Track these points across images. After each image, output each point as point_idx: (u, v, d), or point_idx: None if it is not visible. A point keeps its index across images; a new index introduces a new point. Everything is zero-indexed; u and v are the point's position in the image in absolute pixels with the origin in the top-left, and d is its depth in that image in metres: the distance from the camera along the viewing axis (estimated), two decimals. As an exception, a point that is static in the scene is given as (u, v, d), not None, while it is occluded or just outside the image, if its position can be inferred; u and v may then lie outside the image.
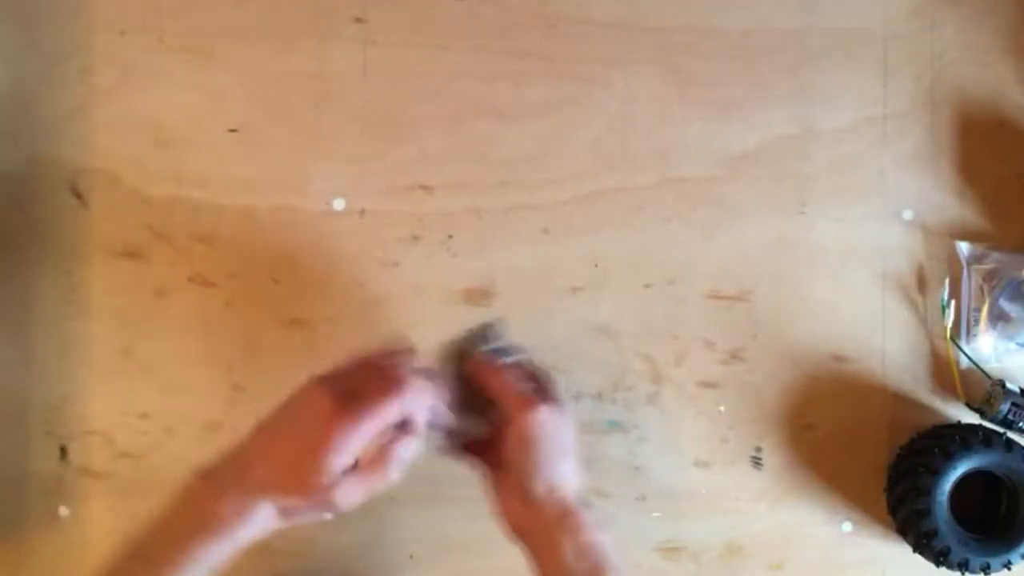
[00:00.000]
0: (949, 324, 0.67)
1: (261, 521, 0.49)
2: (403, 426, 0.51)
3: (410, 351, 0.54)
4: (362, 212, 0.65)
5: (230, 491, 0.49)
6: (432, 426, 0.53)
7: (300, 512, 0.50)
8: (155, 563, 0.48)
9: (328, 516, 0.50)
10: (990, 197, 0.68)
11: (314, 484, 0.48)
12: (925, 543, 0.63)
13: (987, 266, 0.67)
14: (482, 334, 0.57)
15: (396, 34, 0.66)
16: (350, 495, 0.49)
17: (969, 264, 0.67)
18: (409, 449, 0.51)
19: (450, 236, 0.66)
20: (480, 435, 0.56)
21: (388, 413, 0.49)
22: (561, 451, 0.54)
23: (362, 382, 0.50)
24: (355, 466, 0.50)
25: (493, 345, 0.57)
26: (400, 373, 0.51)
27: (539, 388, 0.56)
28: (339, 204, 0.65)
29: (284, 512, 0.50)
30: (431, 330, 0.65)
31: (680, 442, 0.67)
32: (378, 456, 0.50)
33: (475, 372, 0.56)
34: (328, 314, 0.65)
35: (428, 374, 0.53)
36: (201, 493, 0.49)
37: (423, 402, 0.51)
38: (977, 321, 0.67)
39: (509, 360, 0.57)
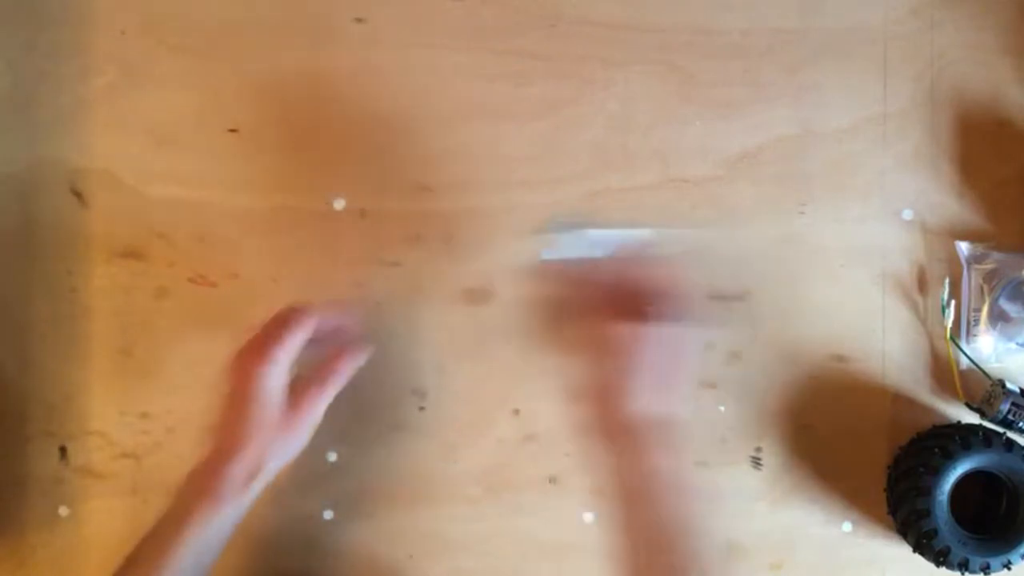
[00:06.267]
0: (949, 324, 0.67)
1: (246, 474, 0.54)
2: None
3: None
4: (362, 212, 0.65)
5: (211, 470, 0.54)
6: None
7: (277, 446, 0.56)
8: (160, 546, 0.53)
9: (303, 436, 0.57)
10: (990, 197, 0.68)
11: (259, 416, 0.54)
12: (925, 543, 0.63)
13: (987, 266, 0.67)
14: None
15: (396, 34, 0.66)
16: (306, 404, 0.56)
17: (969, 264, 0.67)
18: (346, 357, 0.59)
19: (450, 236, 0.66)
20: None
21: (282, 332, 0.55)
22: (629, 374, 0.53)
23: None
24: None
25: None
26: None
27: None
28: (339, 204, 0.65)
29: (263, 458, 0.55)
30: (431, 330, 0.65)
31: (680, 442, 0.67)
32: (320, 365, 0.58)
33: None
34: (328, 314, 0.65)
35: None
36: (189, 484, 0.55)
37: (315, 316, 0.57)
38: (977, 321, 0.67)
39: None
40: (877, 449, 0.67)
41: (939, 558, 0.63)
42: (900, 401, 0.67)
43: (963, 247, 0.67)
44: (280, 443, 0.56)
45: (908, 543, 0.65)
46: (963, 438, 0.63)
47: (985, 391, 0.66)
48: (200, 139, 0.64)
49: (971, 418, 0.66)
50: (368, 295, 0.65)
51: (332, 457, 0.65)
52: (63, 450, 0.63)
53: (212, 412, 0.56)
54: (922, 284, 0.68)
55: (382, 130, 0.66)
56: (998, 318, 0.66)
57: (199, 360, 0.64)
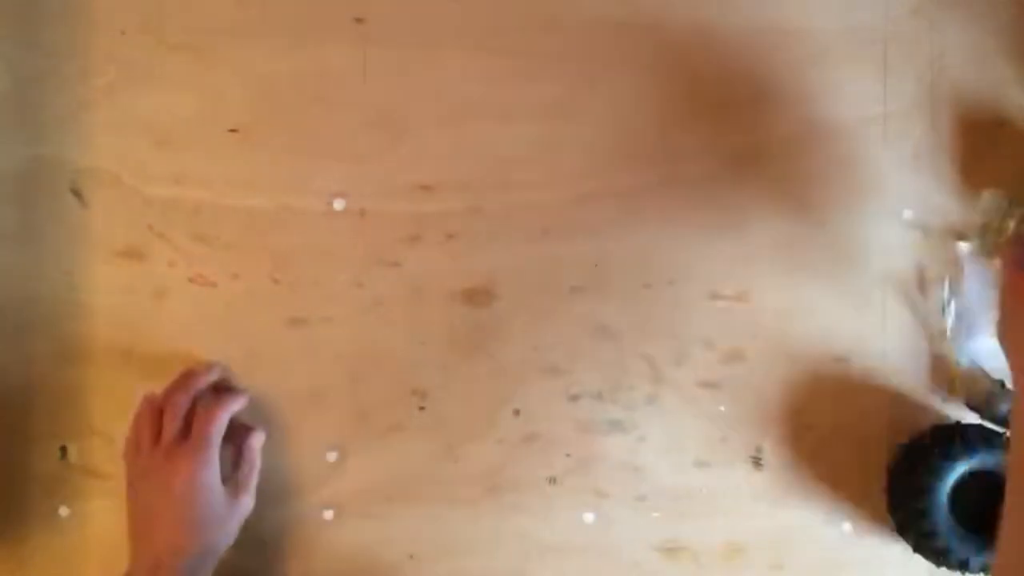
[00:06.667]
0: (949, 324, 0.67)
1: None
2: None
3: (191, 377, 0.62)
4: (362, 212, 0.65)
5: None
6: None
7: (223, 538, 0.59)
8: None
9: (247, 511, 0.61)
10: (990, 197, 0.68)
11: (208, 516, 0.57)
12: (925, 543, 0.63)
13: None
14: None
15: (396, 34, 0.66)
16: (245, 494, 0.60)
17: (969, 264, 0.67)
18: (256, 440, 0.62)
19: (450, 236, 0.66)
20: None
21: (216, 435, 0.59)
22: None
23: (176, 422, 0.59)
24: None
25: None
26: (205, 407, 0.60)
27: None
28: (339, 204, 0.65)
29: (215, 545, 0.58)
30: (431, 330, 0.65)
31: (680, 442, 0.67)
32: (238, 458, 0.62)
33: None
34: (328, 314, 0.65)
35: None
36: None
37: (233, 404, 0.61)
38: (977, 321, 0.67)
39: None
40: (877, 449, 0.67)
41: (939, 558, 0.63)
42: (900, 401, 0.67)
43: (963, 247, 0.67)
44: (224, 534, 0.59)
45: (908, 543, 0.65)
46: (963, 438, 0.63)
47: (985, 391, 0.66)
48: (200, 139, 0.64)
49: (971, 418, 0.66)
50: (368, 295, 0.65)
51: (332, 457, 0.65)
52: (63, 450, 0.63)
53: (146, 513, 0.58)
54: (922, 284, 0.68)
55: (382, 130, 0.66)
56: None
57: (199, 360, 0.64)
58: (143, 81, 0.64)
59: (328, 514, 0.65)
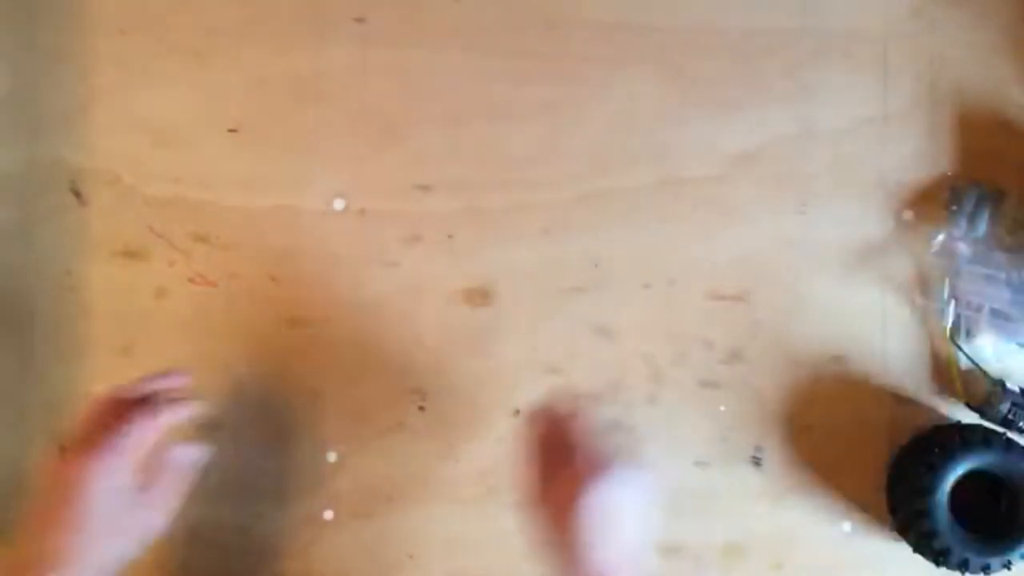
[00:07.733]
0: (949, 324, 0.67)
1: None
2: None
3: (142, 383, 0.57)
4: (362, 212, 0.65)
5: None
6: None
7: (118, 547, 0.53)
8: None
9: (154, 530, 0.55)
10: (990, 197, 0.68)
11: (95, 528, 0.51)
12: (925, 543, 0.63)
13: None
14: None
15: (396, 34, 0.66)
16: (156, 511, 0.54)
17: (969, 264, 0.67)
18: (182, 453, 0.57)
19: (450, 236, 0.66)
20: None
21: (126, 443, 0.53)
22: (623, 534, 0.50)
23: (96, 426, 0.54)
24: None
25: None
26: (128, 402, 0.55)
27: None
28: (339, 204, 0.65)
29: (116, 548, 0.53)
30: (431, 330, 0.65)
31: (680, 442, 0.67)
32: (157, 466, 0.55)
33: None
34: (328, 314, 0.65)
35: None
36: None
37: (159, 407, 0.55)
38: (977, 321, 0.67)
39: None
40: (877, 449, 0.67)
41: (939, 558, 0.63)
42: (900, 401, 0.67)
43: (963, 247, 0.67)
44: (121, 547, 0.53)
45: (908, 543, 0.65)
46: (963, 438, 0.63)
47: (985, 391, 0.66)
48: (200, 139, 0.64)
49: (971, 418, 0.66)
50: (368, 295, 0.65)
51: (332, 457, 0.65)
52: (63, 450, 0.63)
53: (41, 512, 0.53)
54: (922, 284, 0.68)
55: (382, 130, 0.66)
56: (998, 317, 0.66)
57: (199, 360, 0.64)
58: (143, 81, 0.64)
59: (328, 514, 0.65)
